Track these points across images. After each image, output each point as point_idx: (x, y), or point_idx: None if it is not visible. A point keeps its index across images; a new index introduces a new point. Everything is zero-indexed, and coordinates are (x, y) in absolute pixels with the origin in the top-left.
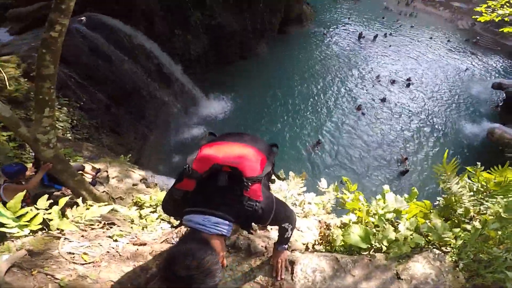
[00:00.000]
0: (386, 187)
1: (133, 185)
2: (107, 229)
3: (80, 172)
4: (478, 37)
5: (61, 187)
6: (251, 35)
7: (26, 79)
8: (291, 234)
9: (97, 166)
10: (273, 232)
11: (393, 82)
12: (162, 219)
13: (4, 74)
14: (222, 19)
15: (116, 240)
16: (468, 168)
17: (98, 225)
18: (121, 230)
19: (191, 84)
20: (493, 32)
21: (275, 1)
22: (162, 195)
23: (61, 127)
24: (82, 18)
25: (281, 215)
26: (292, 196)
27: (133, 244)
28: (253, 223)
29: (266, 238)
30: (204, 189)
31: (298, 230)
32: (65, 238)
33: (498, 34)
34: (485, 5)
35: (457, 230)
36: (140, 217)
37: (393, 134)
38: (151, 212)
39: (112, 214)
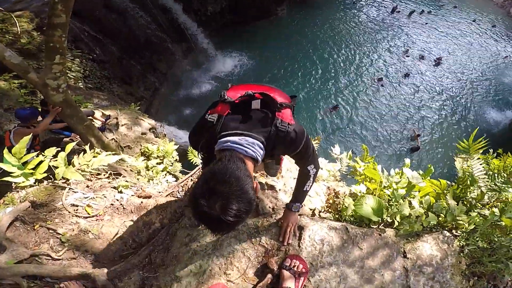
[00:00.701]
0: (407, 160)
1: (142, 133)
2: (112, 179)
3: (90, 117)
4: None
5: (70, 133)
6: None
7: (39, 33)
8: (311, 187)
9: (107, 113)
10: (281, 193)
11: (421, 58)
12: (168, 172)
13: (17, 25)
14: None
15: (121, 192)
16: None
17: (104, 174)
18: (126, 181)
19: (205, 40)
20: None
21: None
22: (170, 146)
23: (73, 77)
24: None
25: (310, 149)
26: None
27: (138, 197)
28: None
29: (274, 199)
30: (238, 113)
31: None
32: (70, 189)
33: None
34: None
35: (474, 214)
36: (147, 168)
37: (411, 110)
38: (157, 163)
39: (119, 164)
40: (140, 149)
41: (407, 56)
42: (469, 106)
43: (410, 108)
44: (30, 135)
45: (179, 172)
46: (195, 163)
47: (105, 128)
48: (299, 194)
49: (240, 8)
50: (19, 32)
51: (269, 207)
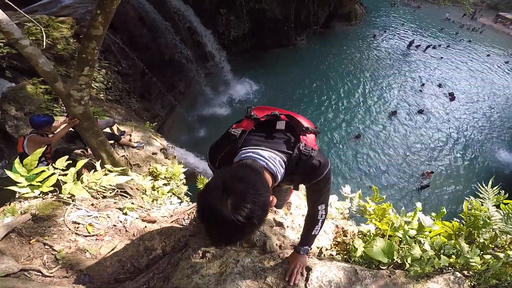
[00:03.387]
0: (419, 204)
1: (153, 153)
2: (119, 199)
3: (109, 127)
4: None
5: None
6: (293, 25)
7: (75, 40)
8: (319, 231)
9: (122, 128)
10: (289, 231)
11: (435, 94)
12: (173, 193)
13: (43, 33)
14: (267, 4)
15: (125, 213)
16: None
17: (110, 192)
18: (132, 203)
19: (225, 64)
20: None
21: None
22: (178, 168)
23: (96, 87)
24: None
25: (328, 184)
26: None
27: (142, 220)
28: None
29: (282, 236)
30: (262, 131)
31: None
32: (74, 205)
33: None
34: None
35: (488, 256)
36: (153, 188)
37: (422, 146)
38: (164, 184)
39: (125, 182)
40: (149, 169)
41: (420, 91)
42: (481, 145)
43: (421, 144)
44: (45, 146)
45: (184, 195)
46: None
47: (143, 145)
48: (307, 237)
49: (262, 34)
50: (44, 39)
51: (277, 244)
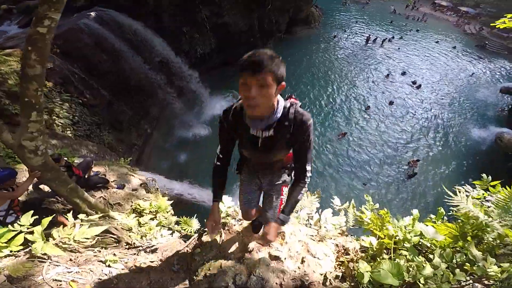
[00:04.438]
0: (415, 211)
1: (133, 190)
2: (98, 251)
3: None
4: (486, 42)
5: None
6: (258, 35)
7: None
8: (301, 197)
9: (95, 169)
10: (288, 262)
11: (401, 83)
12: (163, 226)
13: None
14: (230, 18)
15: (109, 266)
16: (476, 182)
17: (90, 241)
18: (114, 254)
19: (196, 83)
20: (501, 37)
21: (284, 1)
22: (163, 201)
23: (61, 124)
24: (91, 14)
25: (312, 135)
26: (306, 215)
27: (129, 270)
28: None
29: (281, 273)
30: None
31: (314, 256)
32: (51, 262)
33: (506, 39)
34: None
35: (506, 265)
36: (139, 224)
37: (400, 136)
38: (150, 219)
39: (108, 223)
40: (131, 206)
41: (386, 82)
42: (454, 126)
43: (398, 134)
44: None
45: (175, 224)
46: (190, 231)
47: (123, 186)
48: (292, 206)
49: (229, 48)
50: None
51: (277, 283)
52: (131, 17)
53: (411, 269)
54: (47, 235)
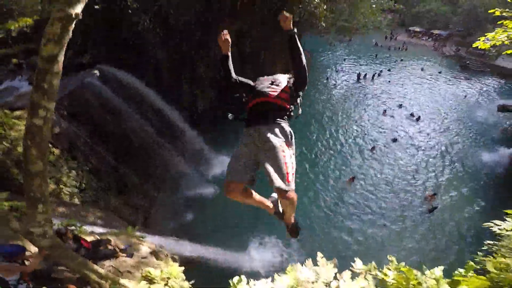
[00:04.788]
0: (439, 270)
1: (142, 258)
2: None
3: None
4: (467, 62)
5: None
6: None
7: None
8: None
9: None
10: None
11: (400, 117)
12: None
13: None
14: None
15: None
16: (508, 211)
17: None
18: None
19: (200, 140)
20: (479, 55)
21: (273, 50)
22: (174, 268)
23: (68, 192)
24: (95, 72)
25: None
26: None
27: None
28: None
29: None
30: None
31: None
32: None
33: (483, 56)
34: (483, 38)
35: None
36: None
37: (412, 172)
38: (164, 285)
39: None
40: (142, 274)
41: (387, 116)
42: (464, 154)
43: (409, 171)
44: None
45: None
46: None
47: (132, 255)
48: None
49: (228, 101)
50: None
51: None
52: (131, 74)
53: None
54: None
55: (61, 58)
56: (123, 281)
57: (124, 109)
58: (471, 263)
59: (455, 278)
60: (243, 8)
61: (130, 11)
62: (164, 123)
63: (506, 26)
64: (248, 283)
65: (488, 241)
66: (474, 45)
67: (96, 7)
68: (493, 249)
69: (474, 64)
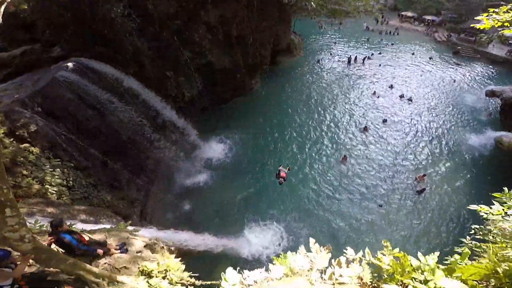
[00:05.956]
0: (434, 256)
1: (137, 252)
2: None
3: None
4: (459, 48)
5: (94, 249)
6: (244, 71)
7: (12, 139)
8: None
9: (95, 237)
10: None
11: (390, 100)
12: (175, 283)
13: None
14: (213, 57)
15: None
16: (495, 194)
17: None
18: None
19: (188, 128)
20: (469, 41)
21: (263, 33)
22: (171, 260)
23: (54, 192)
24: (69, 64)
25: None
26: (318, 272)
27: None
28: None
29: None
30: None
31: None
32: None
33: (474, 43)
34: (486, 14)
35: None
36: (150, 286)
37: (402, 152)
38: (162, 277)
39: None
40: (139, 268)
41: (377, 97)
42: (451, 136)
43: (401, 149)
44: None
45: (189, 277)
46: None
47: (127, 250)
48: None
49: (216, 87)
50: None
51: None
52: (111, 66)
53: None
54: None
55: None
56: (121, 278)
57: (107, 102)
58: (467, 250)
59: (450, 266)
60: None
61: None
62: (151, 114)
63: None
64: (242, 272)
65: (475, 226)
66: (472, 26)
67: None
68: (480, 233)
69: (465, 50)
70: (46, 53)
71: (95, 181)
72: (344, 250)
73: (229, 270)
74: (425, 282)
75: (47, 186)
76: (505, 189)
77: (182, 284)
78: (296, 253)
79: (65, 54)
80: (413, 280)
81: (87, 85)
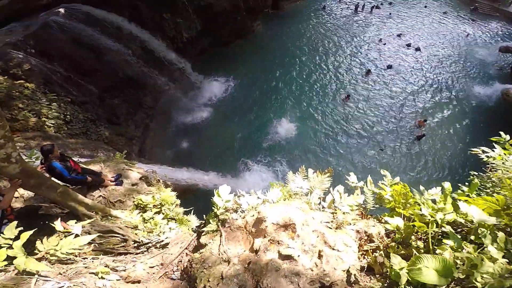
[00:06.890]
0: (447, 185)
1: (133, 185)
2: (89, 262)
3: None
4: (476, 4)
5: (84, 177)
6: (244, 13)
7: (5, 77)
8: None
9: (90, 167)
10: (302, 258)
11: (397, 47)
12: (171, 218)
13: None
14: None
15: (102, 278)
16: (493, 138)
17: (78, 254)
18: (106, 266)
19: (188, 67)
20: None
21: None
22: (166, 193)
23: (52, 124)
24: (60, 10)
25: None
26: (318, 198)
27: (126, 282)
28: None
29: (295, 275)
30: None
31: (333, 249)
32: (39, 278)
33: (496, 1)
34: None
35: None
36: (144, 220)
37: (405, 100)
38: (156, 213)
39: (111, 222)
40: (133, 202)
41: (383, 44)
42: (457, 86)
43: (403, 98)
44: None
45: (183, 214)
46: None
47: (122, 182)
48: None
49: (216, 29)
50: None
51: None
52: (105, 10)
53: (458, 261)
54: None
55: None
56: (115, 212)
57: (102, 43)
58: (476, 180)
59: (459, 197)
60: None
61: None
62: (149, 53)
63: None
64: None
65: (474, 172)
66: None
67: None
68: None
69: (484, 8)
70: (35, 0)
71: (93, 116)
72: (347, 176)
73: (224, 186)
74: (436, 212)
75: (44, 118)
76: (501, 133)
77: (176, 221)
78: (295, 173)
79: (55, 0)
80: (423, 205)
81: (81, 29)
